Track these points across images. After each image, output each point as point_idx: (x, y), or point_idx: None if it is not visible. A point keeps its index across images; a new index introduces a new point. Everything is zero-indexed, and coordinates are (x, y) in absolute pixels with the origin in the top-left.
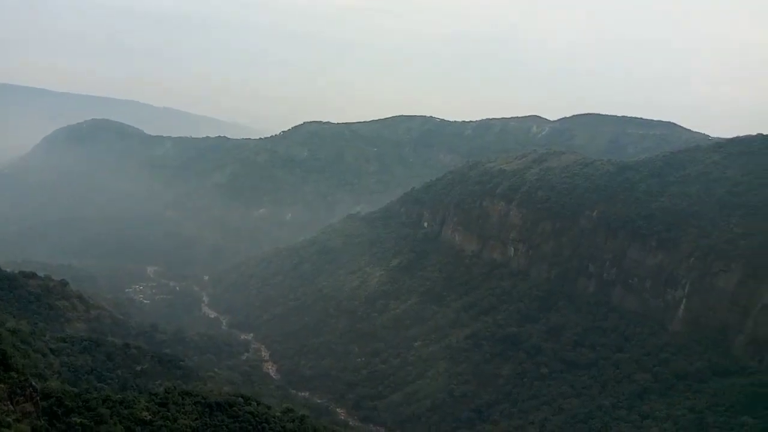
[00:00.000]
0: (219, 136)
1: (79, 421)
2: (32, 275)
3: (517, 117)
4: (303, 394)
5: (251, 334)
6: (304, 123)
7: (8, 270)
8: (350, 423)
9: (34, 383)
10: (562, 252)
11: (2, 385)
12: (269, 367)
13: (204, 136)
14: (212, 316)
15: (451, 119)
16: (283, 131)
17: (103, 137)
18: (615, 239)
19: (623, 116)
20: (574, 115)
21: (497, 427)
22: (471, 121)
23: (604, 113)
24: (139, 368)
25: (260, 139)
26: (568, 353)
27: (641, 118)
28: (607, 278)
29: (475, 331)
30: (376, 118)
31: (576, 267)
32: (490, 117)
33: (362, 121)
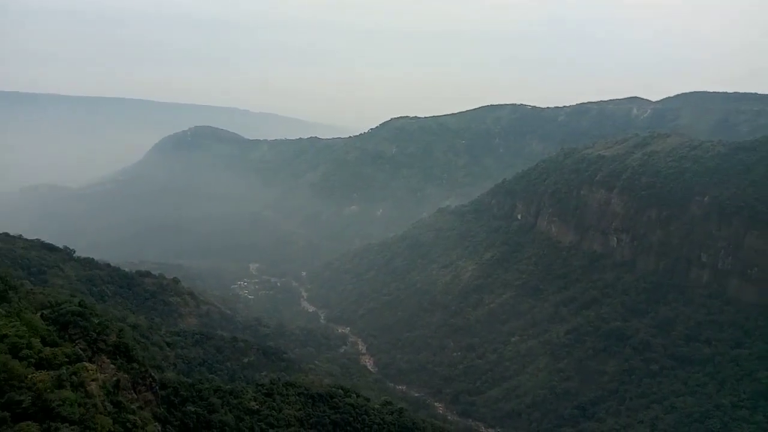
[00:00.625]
0: (311, 137)
1: (193, 410)
2: (147, 274)
3: (616, 99)
4: (400, 387)
5: (348, 328)
6: (391, 119)
7: (126, 269)
8: (449, 417)
9: (153, 374)
10: (671, 241)
11: (126, 376)
12: (366, 360)
13: (297, 137)
14: (311, 310)
15: (542, 106)
16: (371, 128)
17: (205, 143)
18: (729, 226)
19: (735, 92)
20: (678, 95)
21: (603, 425)
22: (565, 107)
23: (711, 90)
24: (246, 360)
25: (350, 137)
26: (680, 349)
27: (756, 94)
28: (723, 268)
29: (576, 325)
30: (464, 110)
31: (686, 257)
32: (585, 101)
33: (450, 113)
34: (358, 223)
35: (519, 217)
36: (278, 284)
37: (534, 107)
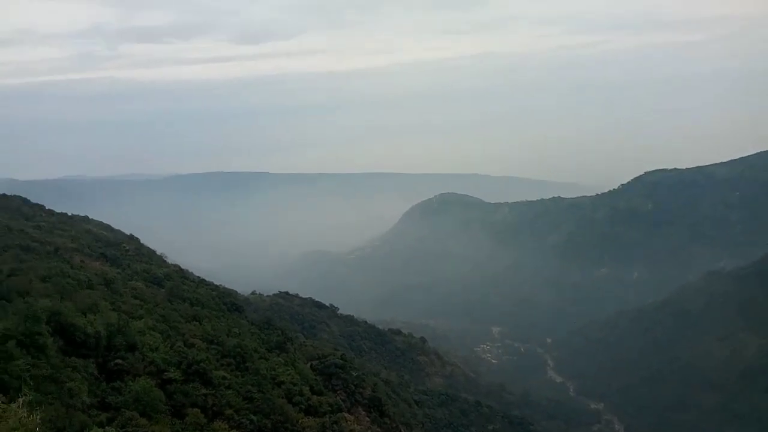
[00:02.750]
0: (553, 197)
1: None
2: (398, 332)
3: None
4: None
5: (601, 404)
6: (644, 173)
7: (380, 327)
8: None
9: (402, 431)
10: None
11: (378, 430)
12: None
13: (539, 198)
14: (558, 380)
15: None
16: (621, 184)
17: (449, 209)
18: None
19: None
20: None
21: None
22: None
23: None
24: (490, 428)
25: (597, 195)
26: None
27: None
28: None
29: None
30: (736, 157)
31: None
32: None
33: (718, 162)
34: (609, 288)
35: None
36: (522, 350)
37: None
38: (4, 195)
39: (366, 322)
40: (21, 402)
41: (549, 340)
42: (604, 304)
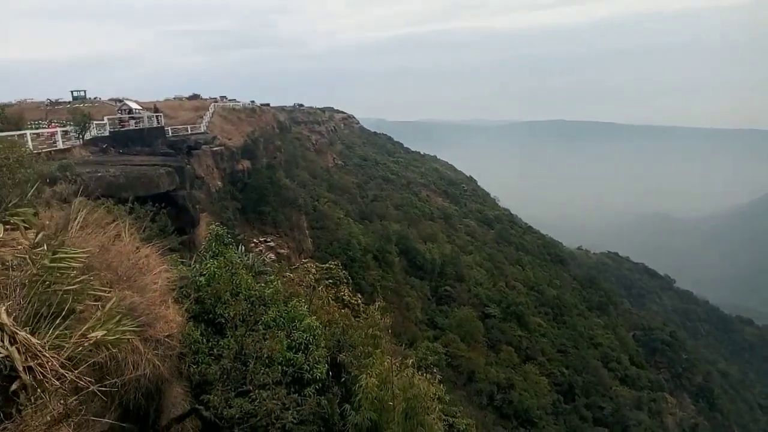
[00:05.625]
0: None
1: None
2: (749, 322)
3: None
4: None
5: None
6: None
7: (726, 312)
8: None
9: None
10: None
11: (705, 422)
12: None
13: None
14: None
15: None
16: None
17: None
18: None
19: None
20: None
21: None
22: None
23: None
24: None
25: None
26: None
27: None
28: None
29: None
30: None
31: None
32: None
33: None
34: None
35: None
36: None
37: None
38: (375, 133)
39: (708, 302)
40: (377, 305)
41: None
42: None
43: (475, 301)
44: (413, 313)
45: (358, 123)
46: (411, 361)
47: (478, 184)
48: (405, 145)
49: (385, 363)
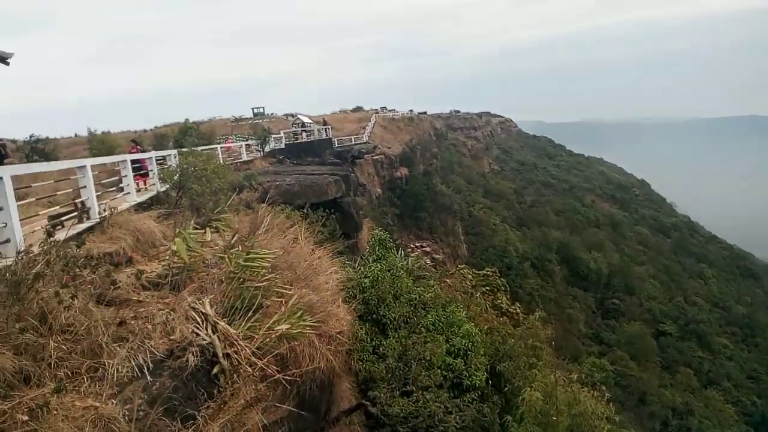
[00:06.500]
0: None
1: None
2: None
3: None
4: None
5: None
6: None
7: None
8: None
9: None
10: None
11: None
12: None
13: None
14: None
15: None
16: None
17: None
18: None
19: None
20: None
21: None
22: None
23: None
24: None
25: None
26: None
27: None
28: None
29: None
30: None
31: None
32: None
33: None
34: None
35: None
36: None
37: None
38: (534, 136)
39: None
40: (537, 315)
41: None
42: None
43: (648, 317)
44: (576, 326)
45: (516, 127)
46: (575, 376)
47: (652, 188)
48: (567, 148)
49: (551, 376)
